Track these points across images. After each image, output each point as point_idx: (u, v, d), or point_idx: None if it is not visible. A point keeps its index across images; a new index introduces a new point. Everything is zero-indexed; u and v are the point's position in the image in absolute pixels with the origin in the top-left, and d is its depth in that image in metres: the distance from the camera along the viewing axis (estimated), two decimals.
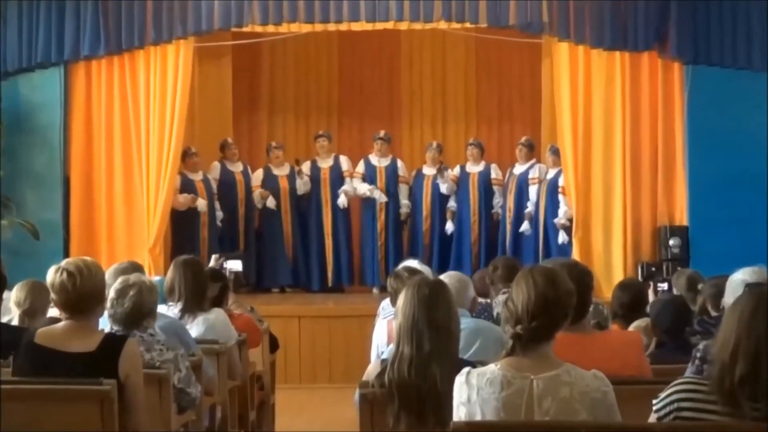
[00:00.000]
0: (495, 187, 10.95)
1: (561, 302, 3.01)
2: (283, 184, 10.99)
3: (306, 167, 11.08)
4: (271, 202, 10.86)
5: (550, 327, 2.99)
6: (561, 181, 10.32)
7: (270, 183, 10.99)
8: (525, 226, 10.55)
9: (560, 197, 10.34)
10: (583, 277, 3.69)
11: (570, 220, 10.21)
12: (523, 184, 10.69)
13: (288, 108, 12.51)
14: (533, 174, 10.67)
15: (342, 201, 10.94)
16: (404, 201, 11.07)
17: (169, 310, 5.31)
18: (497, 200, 10.93)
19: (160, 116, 10.07)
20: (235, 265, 7.63)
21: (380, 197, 10.91)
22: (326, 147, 11.17)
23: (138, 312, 4.39)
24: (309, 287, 11.03)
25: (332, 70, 12.56)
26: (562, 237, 10.26)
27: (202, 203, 10.43)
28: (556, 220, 10.31)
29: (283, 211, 10.97)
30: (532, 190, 10.61)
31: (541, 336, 2.97)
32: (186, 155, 10.53)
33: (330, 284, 10.99)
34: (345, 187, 10.99)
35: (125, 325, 4.39)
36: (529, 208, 10.56)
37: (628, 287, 5.70)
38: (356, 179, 11.06)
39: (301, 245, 11.03)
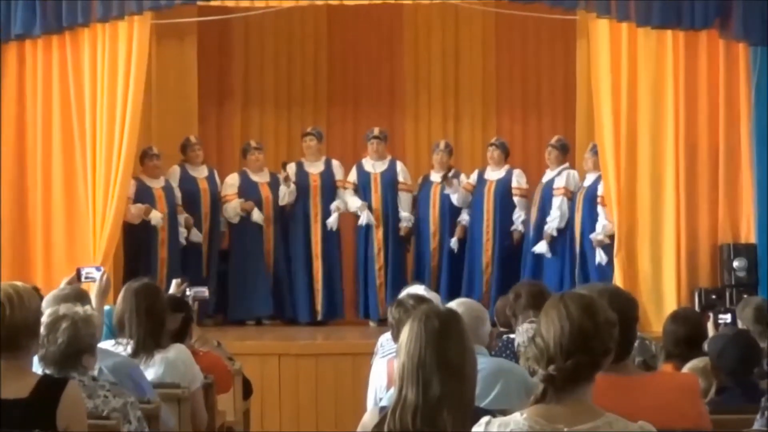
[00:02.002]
0: (516, 198, 10.89)
1: (601, 335, 3.00)
2: (265, 193, 10.99)
3: (291, 171, 11.07)
4: (258, 216, 10.85)
5: (590, 366, 2.98)
6: (601, 189, 10.30)
7: (249, 192, 10.98)
8: (541, 247, 10.48)
9: (599, 209, 10.31)
10: (626, 307, 3.69)
11: (611, 237, 10.20)
12: (548, 194, 10.65)
13: (266, 99, 12.51)
14: (559, 182, 10.60)
15: (332, 222, 10.93)
16: (404, 213, 11.04)
17: (119, 348, 5.29)
18: (517, 214, 10.88)
19: (109, 109, 10.07)
20: (200, 292, 7.65)
21: (368, 219, 10.88)
22: (315, 147, 11.17)
23: (74, 349, 4.38)
24: (292, 319, 11.03)
25: (320, 53, 12.57)
26: (599, 256, 10.24)
27: (156, 216, 10.41)
28: (592, 236, 10.26)
29: (264, 226, 10.97)
30: (555, 203, 10.54)
31: (578, 377, 2.96)
32: (145, 157, 10.55)
33: (318, 315, 10.99)
34: (337, 203, 10.99)
35: (60, 367, 4.37)
36: (549, 224, 10.48)
37: (683, 319, 5.69)
38: (348, 191, 11.06)
39: (284, 268, 11.03)
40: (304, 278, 10.99)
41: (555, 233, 10.44)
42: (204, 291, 7.81)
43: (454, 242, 10.94)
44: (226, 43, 12.36)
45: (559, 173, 10.67)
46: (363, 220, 10.89)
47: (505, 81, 12.58)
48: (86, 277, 6.28)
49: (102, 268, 6.37)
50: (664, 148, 10.19)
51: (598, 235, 10.25)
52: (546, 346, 2.98)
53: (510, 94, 12.59)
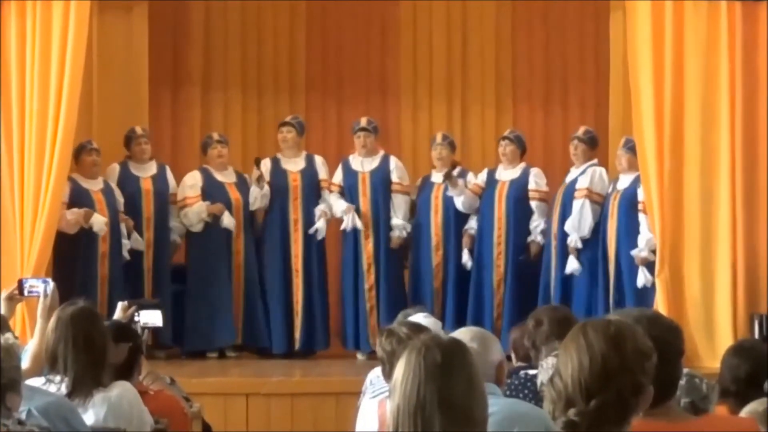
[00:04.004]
0: (534, 203, 10.90)
1: (629, 368, 3.00)
2: (235, 195, 10.99)
3: (265, 168, 11.05)
4: (229, 221, 10.83)
5: (618, 407, 2.98)
6: (642, 194, 10.28)
7: (215, 194, 10.98)
8: (572, 265, 10.47)
9: (641, 217, 10.31)
10: (668, 336, 3.69)
11: (656, 252, 10.20)
12: (570, 197, 10.63)
13: (231, 84, 12.52)
14: (582, 182, 10.59)
15: (319, 227, 10.92)
16: (397, 220, 11.02)
17: (51, 386, 5.28)
18: (536, 222, 10.88)
19: (41, 96, 10.06)
20: (152, 318, 7.64)
21: (352, 222, 10.87)
22: (293, 140, 11.17)
23: None
24: (263, 350, 11.05)
25: (298, 27, 12.59)
26: (643, 277, 10.22)
27: (99, 221, 10.41)
28: (634, 252, 10.27)
29: (233, 236, 10.96)
30: (576, 206, 10.53)
31: (605, 422, 2.96)
32: (83, 151, 10.55)
33: (295, 346, 10.99)
34: (322, 206, 10.99)
35: None
36: (572, 235, 10.46)
37: (749, 352, 5.67)
38: (333, 194, 11.07)
39: (255, 289, 11.03)
40: (279, 299, 10.98)
41: (580, 245, 10.41)
42: (157, 316, 7.81)
43: (466, 257, 10.93)
44: (183, 17, 12.37)
45: (583, 171, 10.69)
46: (347, 224, 10.87)
47: (523, 63, 12.62)
48: (29, 291, 6.25)
49: (48, 281, 6.32)
50: (717, 144, 10.20)
51: (641, 251, 10.24)
52: (564, 386, 2.98)
53: (529, 78, 12.63)
